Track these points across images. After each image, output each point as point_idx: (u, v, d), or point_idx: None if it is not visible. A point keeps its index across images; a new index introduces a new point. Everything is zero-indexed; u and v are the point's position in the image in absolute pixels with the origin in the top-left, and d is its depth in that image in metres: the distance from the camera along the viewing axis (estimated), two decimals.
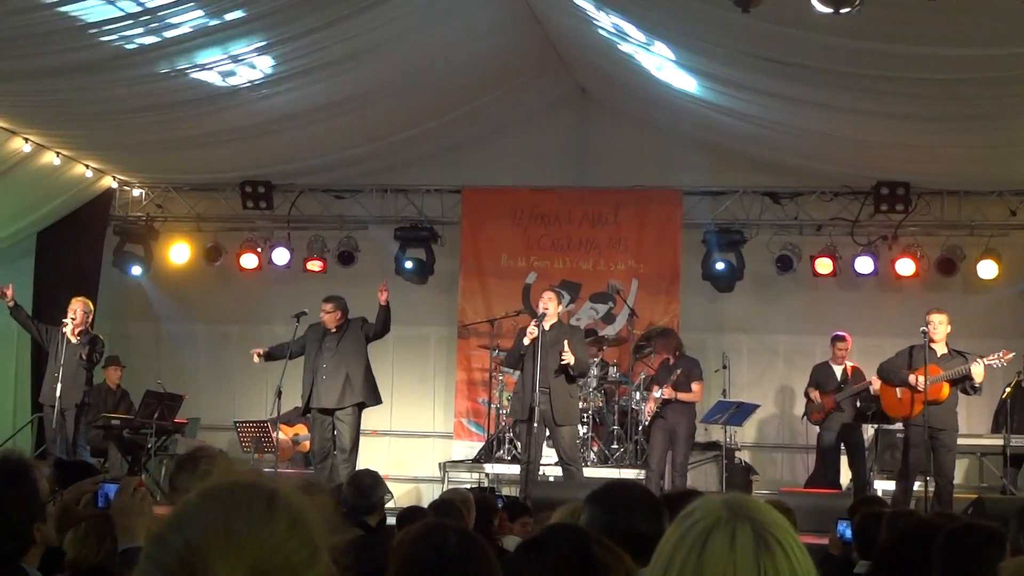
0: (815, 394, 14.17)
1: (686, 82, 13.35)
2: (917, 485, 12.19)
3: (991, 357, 11.94)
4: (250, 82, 12.62)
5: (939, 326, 12.01)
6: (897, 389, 12.32)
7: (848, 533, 6.84)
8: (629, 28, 12.09)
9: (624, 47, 12.94)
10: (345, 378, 13.29)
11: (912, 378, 12.03)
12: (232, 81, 12.55)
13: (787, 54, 11.12)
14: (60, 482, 4.49)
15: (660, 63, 13.00)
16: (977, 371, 11.81)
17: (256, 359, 13.74)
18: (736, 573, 1.88)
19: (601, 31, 12.65)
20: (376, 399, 13.65)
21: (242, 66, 12.21)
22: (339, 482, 9.98)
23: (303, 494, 1.73)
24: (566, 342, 12.45)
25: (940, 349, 12.09)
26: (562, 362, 12.35)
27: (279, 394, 13.52)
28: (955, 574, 4.27)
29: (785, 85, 12.15)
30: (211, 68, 12.13)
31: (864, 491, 13.10)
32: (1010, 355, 12.12)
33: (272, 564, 1.64)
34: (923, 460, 11.92)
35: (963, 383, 11.99)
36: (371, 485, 6.82)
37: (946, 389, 11.96)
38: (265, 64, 12.26)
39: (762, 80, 12.18)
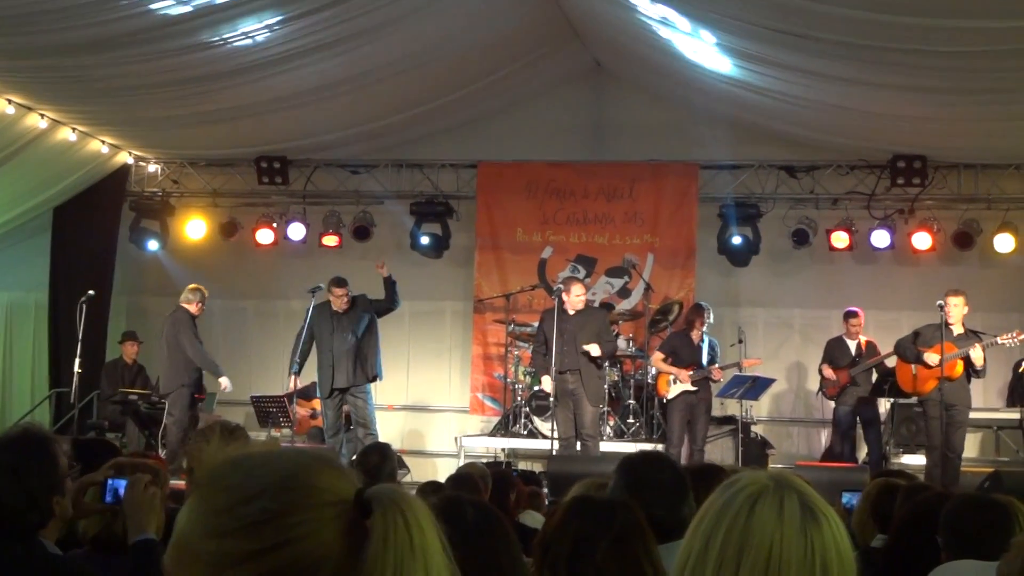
0: (828, 370, 14.22)
1: (719, 62, 13.22)
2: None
3: (1004, 336, 12.32)
4: (266, 57, 12.60)
5: (954, 309, 12.24)
6: (912, 365, 12.47)
7: (854, 504, 6.90)
8: (671, 14, 12.00)
9: (664, 32, 12.82)
10: (361, 356, 13.53)
11: (926, 355, 12.22)
12: (248, 56, 12.53)
13: (804, 27, 11.06)
14: (80, 461, 4.50)
15: (695, 46, 12.90)
16: (976, 355, 12.05)
17: (294, 385, 13.94)
18: (783, 539, 1.90)
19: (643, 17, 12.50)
20: (378, 374, 13.94)
21: (258, 40, 12.18)
22: None
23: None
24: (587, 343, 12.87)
25: (956, 329, 12.30)
26: (589, 352, 12.84)
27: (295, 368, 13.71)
28: (961, 545, 4.28)
29: (802, 58, 12.09)
30: (227, 44, 12.10)
31: (880, 465, 13.17)
32: (1023, 335, 12.30)
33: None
34: (940, 433, 12.11)
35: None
36: (377, 464, 6.71)
37: (959, 367, 12.17)
38: (282, 39, 12.22)
39: (779, 53, 12.12)
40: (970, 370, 12.23)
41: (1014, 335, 12.28)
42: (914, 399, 13.18)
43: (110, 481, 4.12)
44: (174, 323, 13.79)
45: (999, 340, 12.25)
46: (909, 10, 9.88)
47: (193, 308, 13.85)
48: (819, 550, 1.90)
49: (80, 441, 10.14)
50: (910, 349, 12.49)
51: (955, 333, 12.23)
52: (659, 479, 4.01)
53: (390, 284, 13.91)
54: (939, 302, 12.19)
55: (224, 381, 13.80)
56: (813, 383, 15.39)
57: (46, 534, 3.76)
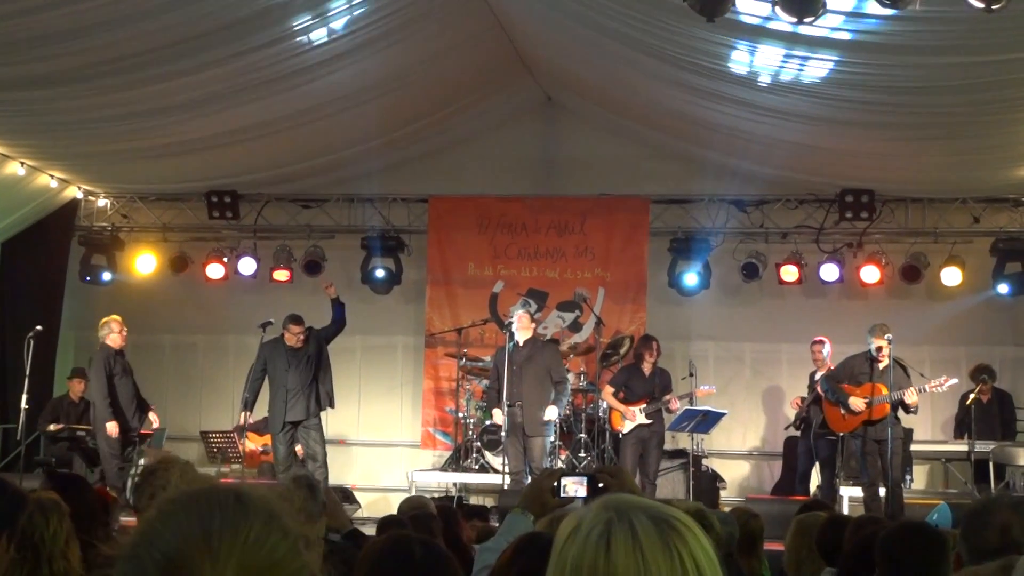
0: (796, 403, 14.36)
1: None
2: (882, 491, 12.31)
3: (933, 384, 12.22)
4: (216, 91, 12.56)
5: (884, 348, 12.04)
6: (840, 407, 12.46)
7: None
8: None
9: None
10: (314, 390, 13.50)
11: (851, 401, 12.16)
12: (198, 90, 12.48)
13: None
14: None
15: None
16: (911, 400, 11.95)
17: (244, 420, 13.90)
18: (649, 561, 1.77)
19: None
20: (332, 402, 13.92)
21: (207, 76, 12.14)
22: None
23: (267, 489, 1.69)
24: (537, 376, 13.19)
25: (882, 363, 12.11)
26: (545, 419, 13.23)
27: (246, 403, 13.64)
28: (895, 573, 4.30)
29: (752, 94, 12.19)
30: (177, 78, 12.06)
31: (830, 497, 13.18)
32: (951, 381, 12.36)
33: (257, 561, 1.59)
34: (879, 467, 12.08)
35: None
36: (308, 492, 6.67)
37: (886, 407, 12.03)
38: (231, 74, 12.19)
39: (729, 89, 12.22)
40: (901, 408, 12.12)
41: (941, 381, 12.23)
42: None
43: None
44: (93, 360, 13.76)
45: (928, 388, 12.20)
46: (855, 48, 10.00)
47: (111, 341, 13.64)
48: (688, 557, 1.80)
49: (53, 474, 10.05)
50: (834, 391, 12.46)
51: (881, 368, 12.11)
52: None
53: (338, 305, 13.92)
54: (885, 340, 12.05)
55: (110, 427, 13.38)
56: (764, 416, 15.47)
57: None
